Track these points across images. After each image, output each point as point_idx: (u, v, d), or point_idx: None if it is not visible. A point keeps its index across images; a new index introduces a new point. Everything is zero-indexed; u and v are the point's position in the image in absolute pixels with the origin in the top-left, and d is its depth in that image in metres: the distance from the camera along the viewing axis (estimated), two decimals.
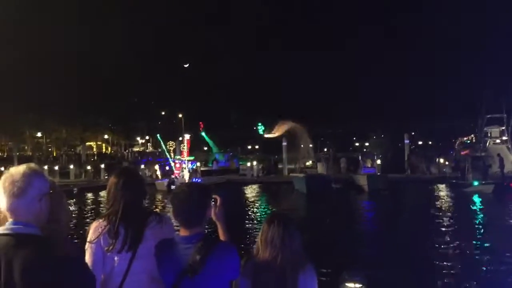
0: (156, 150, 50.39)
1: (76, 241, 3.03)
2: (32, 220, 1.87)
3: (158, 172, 37.19)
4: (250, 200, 28.87)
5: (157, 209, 20.96)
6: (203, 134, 45.98)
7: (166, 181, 33.55)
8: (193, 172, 37.30)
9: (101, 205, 25.97)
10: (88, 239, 2.73)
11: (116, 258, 2.68)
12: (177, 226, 2.59)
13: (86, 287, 1.90)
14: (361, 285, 3.39)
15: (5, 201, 1.86)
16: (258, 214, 21.81)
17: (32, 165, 1.98)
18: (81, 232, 14.09)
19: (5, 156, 63.88)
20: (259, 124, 60.78)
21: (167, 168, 40.02)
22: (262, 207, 24.95)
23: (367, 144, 66.75)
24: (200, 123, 45.93)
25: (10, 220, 1.86)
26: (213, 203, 2.58)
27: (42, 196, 1.90)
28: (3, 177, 1.91)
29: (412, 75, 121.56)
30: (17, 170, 1.90)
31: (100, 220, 2.80)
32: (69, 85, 64.06)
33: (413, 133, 64.64)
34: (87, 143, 72.83)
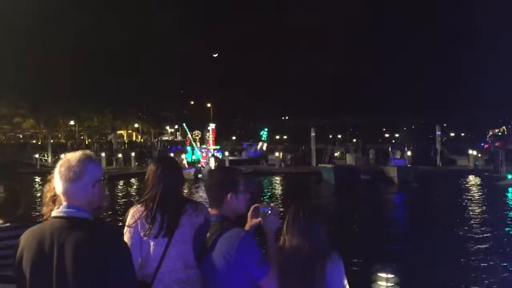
0: (185, 139, 50.71)
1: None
2: (85, 204, 1.94)
3: (185, 162, 37.59)
4: (276, 189, 28.91)
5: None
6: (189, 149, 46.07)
7: (193, 170, 33.88)
8: (219, 161, 37.49)
9: (132, 193, 26.48)
10: (127, 224, 2.81)
11: (152, 243, 2.75)
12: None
13: (131, 270, 1.97)
14: (393, 276, 3.39)
15: (61, 185, 1.93)
16: (284, 204, 21.81)
17: (88, 151, 2.05)
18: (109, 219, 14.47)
19: (39, 142, 65.51)
20: (264, 130, 59.48)
21: (193, 157, 40.33)
22: (288, 197, 24.92)
23: (397, 135, 65.89)
24: (188, 138, 45.63)
25: (64, 203, 1.94)
26: (269, 212, 2.54)
27: (95, 182, 1.97)
28: (60, 162, 1.98)
29: (444, 67, 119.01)
30: (74, 156, 1.97)
31: (138, 206, 2.87)
32: (101, 75, 65.25)
33: (444, 125, 63.40)
34: (118, 132, 74.05)
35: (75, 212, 1.90)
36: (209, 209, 2.52)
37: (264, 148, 52.41)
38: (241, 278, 2.31)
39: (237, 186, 2.52)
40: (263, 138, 58.00)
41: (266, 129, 60.29)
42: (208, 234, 2.33)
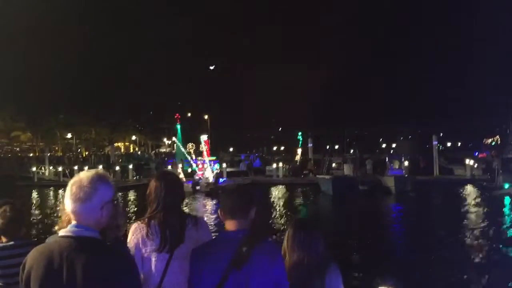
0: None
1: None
2: (93, 224, 1.96)
3: (182, 175, 37.52)
4: (275, 201, 28.80)
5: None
6: (178, 127, 45.43)
7: (190, 183, 33.79)
8: (218, 173, 37.37)
9: (131, 206, 26.34)
10: (128, 241, 2.84)
11: (154, 259, 2.78)
12: (213, 228, 2.65)
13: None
14: None
15: (71, 204, 1.95)
16: (284, 216, 21.75)
17: (101, 171, 2.06)
18: None
19: (37, 155, 65.31)
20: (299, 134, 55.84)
21: (189, 170, 40.21)
22: (288, 208, 24.84)
23: (394, 145, 65.89)
24: (177, 114, 45.72)
25: (73, 222, 1.96)
26: None
27: (105, 204, 1.98)
28: (72, 180, 1.99)
29: (441, 76, 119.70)
30: (86, 175, 1.98)
31: (139, 222, 2.91)
32: (97, 87, 65.35)
33: (441, 134, 63.49)
34: (115, 144, 73.84)
35: (83, 231, 1.92)
36: (229, 222, 2.54)
37: (298, 156, 49.08)
38: None
39: (256, 199, 2.63)
40: (299, 145, 54.73)
41: (300, 133, 56.81)
42: (244, 248, 2.35)
